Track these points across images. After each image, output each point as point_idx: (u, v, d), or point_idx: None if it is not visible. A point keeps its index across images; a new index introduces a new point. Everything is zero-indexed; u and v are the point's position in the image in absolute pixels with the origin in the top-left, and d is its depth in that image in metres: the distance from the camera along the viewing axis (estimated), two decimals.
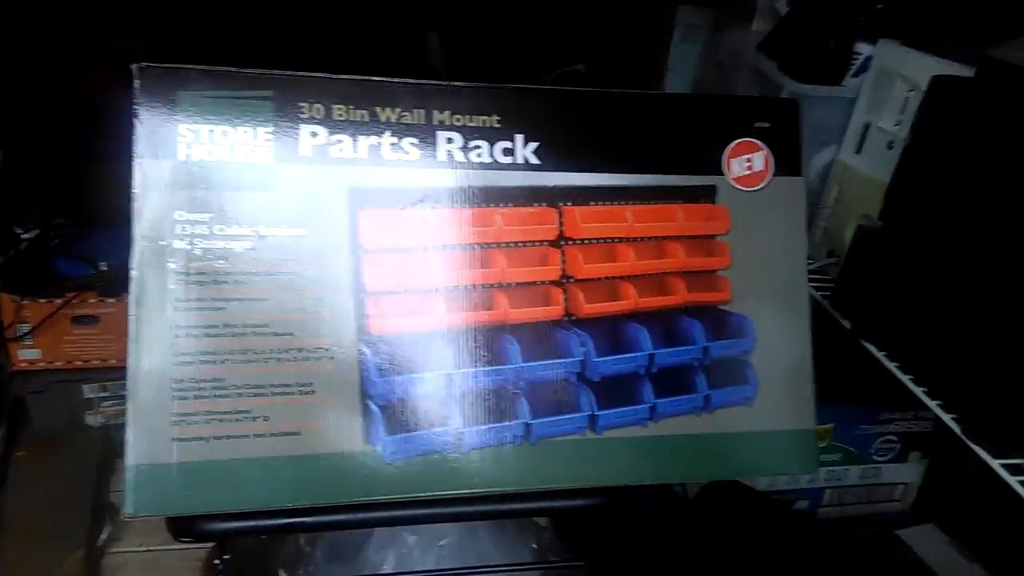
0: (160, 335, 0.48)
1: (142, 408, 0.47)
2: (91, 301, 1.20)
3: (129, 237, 0.49)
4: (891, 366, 0.64)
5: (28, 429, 1.27)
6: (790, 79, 0.81)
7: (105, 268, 1.23)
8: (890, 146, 0.75)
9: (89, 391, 1.28)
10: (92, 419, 1.30)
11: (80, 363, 1.24)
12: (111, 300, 1.20)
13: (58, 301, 1.18)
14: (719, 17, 1.16)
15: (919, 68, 0.71)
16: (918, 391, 0.61)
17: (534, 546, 0.75)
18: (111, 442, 1.30)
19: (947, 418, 0.57)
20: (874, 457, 0.88)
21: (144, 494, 0.47)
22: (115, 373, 1.27)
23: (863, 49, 0.80)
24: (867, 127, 0.79)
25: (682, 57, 1.26)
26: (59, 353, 1.22)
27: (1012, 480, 0.51)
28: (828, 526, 0.88)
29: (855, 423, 0.86)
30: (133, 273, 0.48)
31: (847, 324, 0.70)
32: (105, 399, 1.29)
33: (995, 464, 0.53)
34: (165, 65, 0.50)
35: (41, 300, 1.17)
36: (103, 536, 1.11)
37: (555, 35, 1.58)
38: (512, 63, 1.55)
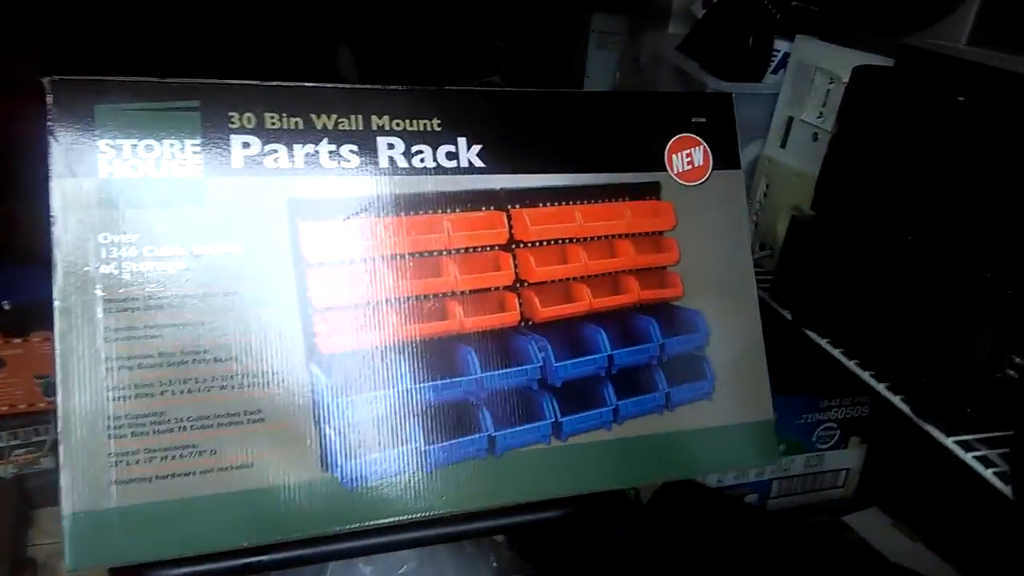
0: (90, 369, 0.44)
1: (75, 450, 0.43)
2: None
3: (49, 266, 0.44)
4: (836, 352, 0.65)
5: None
6: (713, 78, 0.82)
7: (8, 307, 1.14)
8: (815, 138, 0.77)
9: None
10: (2, 470, 1.21)
11: None
12: (17, 340, 1.12)
13: None
14: (634, 23, 1.18)
15: (838, 61, 0.73)
16: (865, 375, 0.62)
17: (494, 564, 0.73)
18: (26, 492, 1.22)
19: (896, 400, 0.58)
20: (816, 445, 0.90)
21: (84, 544, 0.43)
22: (26, 419, 1.18)
23: (781, 46, 0.83)
24: (790, 121, 0.80)
25: (599, 63, 1.28)
26: None
27: (967, 456, 0.52)
28: (779, 517, 0.89)
29: (797, 413, 0.88)
30: (56, 304, 0.44)
31: (787, 315, 0.71)
32: (16, 447, 1.20)
33: (948, 442, 0.54)
34: (80, 78, 0.46)
35: None
36: None
37: (469, 48, 1.58)
38: (426, 77, 1.53)
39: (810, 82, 0.77)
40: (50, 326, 1.12)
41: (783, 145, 0.81)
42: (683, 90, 0.90)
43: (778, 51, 0.82)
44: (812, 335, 0.68)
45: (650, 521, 0.81)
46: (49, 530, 1.22)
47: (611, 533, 0.77)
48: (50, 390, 1.16)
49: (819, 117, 0.76)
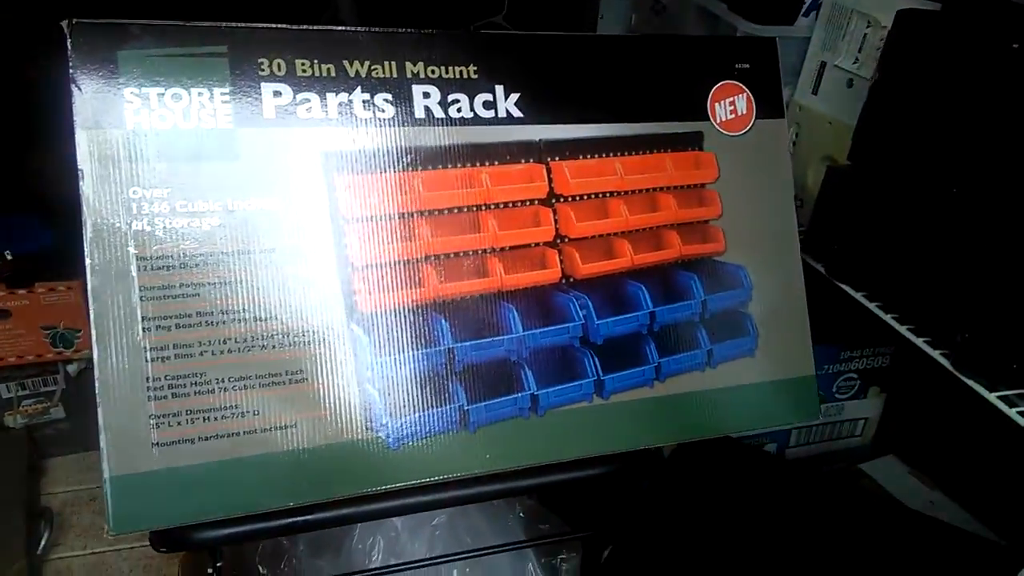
0: (126, 330, 0.42)
1: (115, 412, 0.42)
2: (0, 294, 1.09)
3: (78, 220, 0.42)
4: (872, 306, 0.64)
5: None
6: (744, 20, 0.80)
7: (10, 257, 1.12)
8: (850, 84, 0.74)
9: (6, 391, 1.18)
10: (12, 420, 1.20)
11: None
12: (21, 291, 1.11)
13: None
14: None
15: (877, 4, 0.70)
16: (903, 329, 0.61)
17: (520, 515, 0.73)
18: (36, 442, 1.21)
19: (936, 354, 0.58)
20: (836, 395, 0.90)
21: (126, 508, 0.42)
22: (33, 369, 1.18)
23: None
24: (823, 66, 0.78)
25: (613, 4, 1.24)
26: None
27: (1011, 412, 0.52)
28: (797, 466, 0.90)
29: (818, 363, 0.87)
30: (88, 262, 0.42)
31: (820, 268, 0.69)
32: (25, 397, 1.20)
33: (991, 397, 0.53)
34: (100, 21, 0.43)
35: None
36: (42, 543, 1.04)
37: None
38: (426, 17, 1.49)
39: (845, 26, 0.74)
40: (53, 277, 1.10)
41: (815, 91, 0.78)
42: (710, 33, 0.87)
43: None
44: (847, 288, 0.67)
45: (673, 471, 0.81)
46: (60, 479, 1.23)
47: (635, 483, 0.77)
48: (58, 340, 1.15)
49: (855, 63, 0.73)
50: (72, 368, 1.20)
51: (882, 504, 0.84)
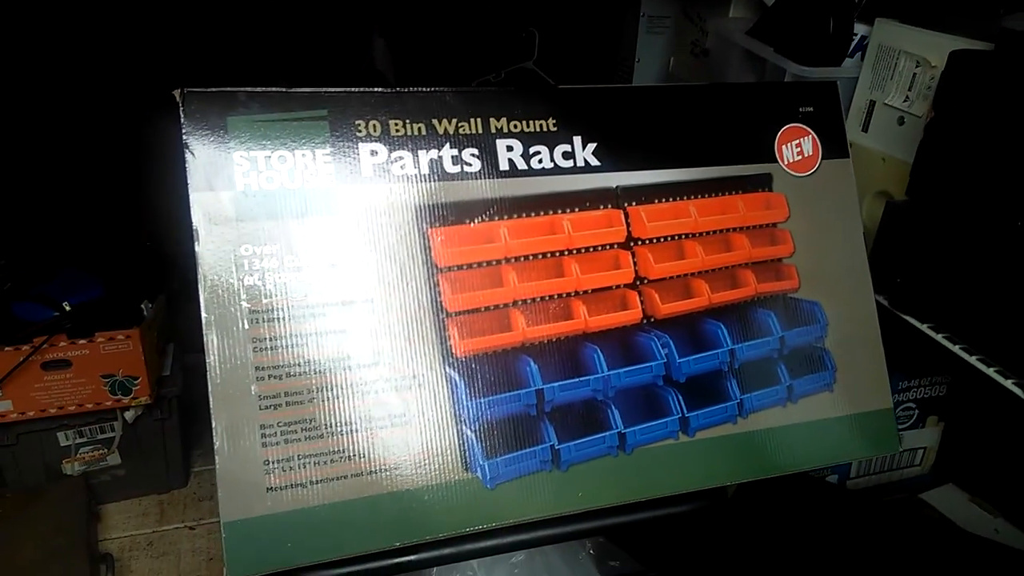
0: (240, 379, 0.44)
1: (231, 460, 0.44)
2: (61, 344, 1.13)
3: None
4: (939, 337, 0.65)
5: (0, 485, 1.19)
6: (792, 62, 0.82)
7: (69, 308, 1.15)
8: (901, 122, 0.76)
9: (64, 438, 1.21)
10: (69, 467, 1.23)
11: (54, 410, 1.16)
12: (82, 341, 1.14)
13: (26, 348, 1.10)
14: (687, 6, 1.17)
15: (925, 45, 0.72)
16: (972, 359, 0.62)
17: (591, 551, 0.74)
18: (93, 489, 1.24)
19: (1009, 384, 0.58)
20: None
21: (242, 551, 0.44)
22: (92, 417, 1.20)
23: (857, 29, 0.82)
24: (871, 105, 0.80)
25: (649, 48, 1.27)
26: (30, 402, 1.15)
27: None
28: (860, 496, 0.90)
29: None
30: (204, 316, 0.44)
31: (883, 300, 0.70)
32: (82, 445, 1.22)
33: None
34: (211, 89, 0.46)
35: (7, 348, 1.09)
36: None
37: (501, 34, 1.57)
38: (458, 64, 1.53)
39: (894, 66, 0.76)
40: (112, 326, 1.13)
41: (864, 129, 0.80)
42: (756, 75, 0.89)
43: (855, 35, 0.81)
44: (912, 320, 0.68)
45: (738, 505, 0.81)
46: (117, 525, 1.25)
47: (708, 519, 0.78)
48: (116, 388, 1.18)
49: (905, 101, 0.75)
50: (129, 415, 1.22)
51: (949, 532, 0.84)
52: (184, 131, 0.46)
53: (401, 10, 1.57)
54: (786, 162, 0.58)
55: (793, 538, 0.78)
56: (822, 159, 0.58)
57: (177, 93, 0.46)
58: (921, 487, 0.93)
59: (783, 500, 0.81)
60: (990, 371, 0.61)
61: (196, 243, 0.45)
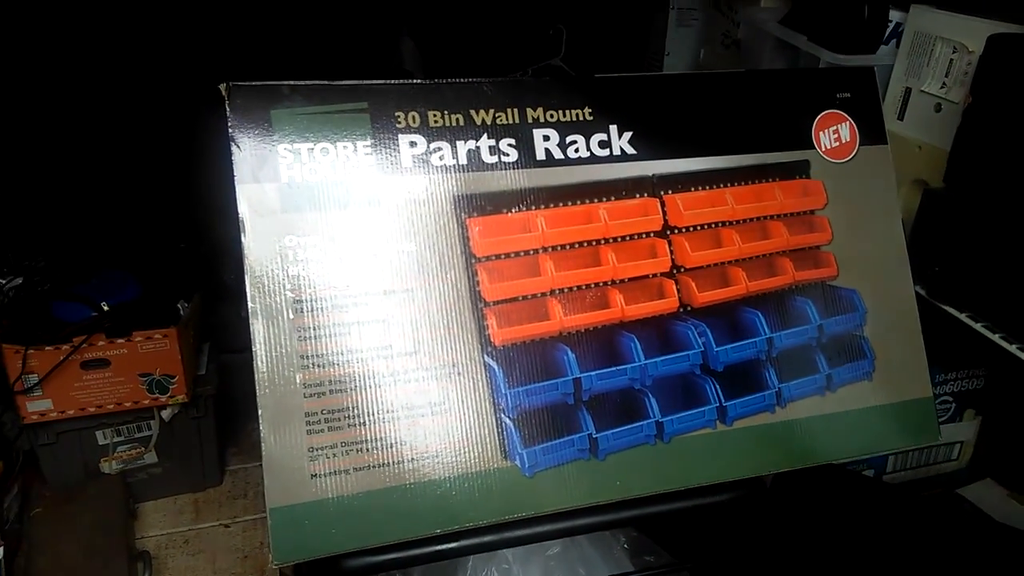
0: (285, 369, 0.45)
1: (276, 448, 0.44)
2: (100, 344, 1.15)
3: (240, 269, 0.46)
4: (978, 327, 0.64)
5: (41, 484, 1.22)
6: (826, 51, 0.81)
7: (107, 308, 1.17)
8: (938, 109, 0.75)
9: (103, 437, 1.23)
10: (107, 466, 1.25)
11: (93, 409, 1.19)
12: (120, 340, 1.16)
13: (66, 347, 1.12)
14: None
15: (963, 30, 0.71)
16: (1012, 348, 0.61)
17: (625, 545, 0.73)
18: (130, 487, 1.26)
19: None
20: None
21: (287, 538, 0.44)
22: (129, 416, 1.22)
23: (891, 16, 0.81)
24: (907, 92, 0.79)
25: (679, 41, 1.27)
26: (70, 401, 1.17)
27: None
28: (897, 491, 0.89)
29: None
30: (250, 306, 0.45)
31: (919, 289, 0.70)
32: (120, 443, 1.24)
33: None
34: (255, 83, 0.47)
35: (47, 348, 1.12)
36: None
37: (528, 31, 1.57)
38: (487, 61, 1.54)
39: (930, 52, 0.76)
40: (149, 325, 1.14)
41: (900, 116, 0.80)
42: (789, 64, 0.89)
43: (890, 21, 0.81)
44: (950, 309, 0.67)
45: (775, 498, 0.81)
46: (154, 523, 1.26)
47: (744, 511, 0.77)
48: (154, 387, 1.20)
49: (942, 87, 0.74)
50: (166, 413, 1.24)
51: (987, 527, 0.83)
52: (230, 124, 0.46)
53: (429, 10, 1.59)
54: (824, 148, 0.57)
55: (830, 531, 0.78)
56: (860, 145, 0.58)
57: (223, 87, 0.47)
58: (958, 482, 0.92)
59: (819, 493, 0.81)
60: None
61: (242, 234, 0.46)
